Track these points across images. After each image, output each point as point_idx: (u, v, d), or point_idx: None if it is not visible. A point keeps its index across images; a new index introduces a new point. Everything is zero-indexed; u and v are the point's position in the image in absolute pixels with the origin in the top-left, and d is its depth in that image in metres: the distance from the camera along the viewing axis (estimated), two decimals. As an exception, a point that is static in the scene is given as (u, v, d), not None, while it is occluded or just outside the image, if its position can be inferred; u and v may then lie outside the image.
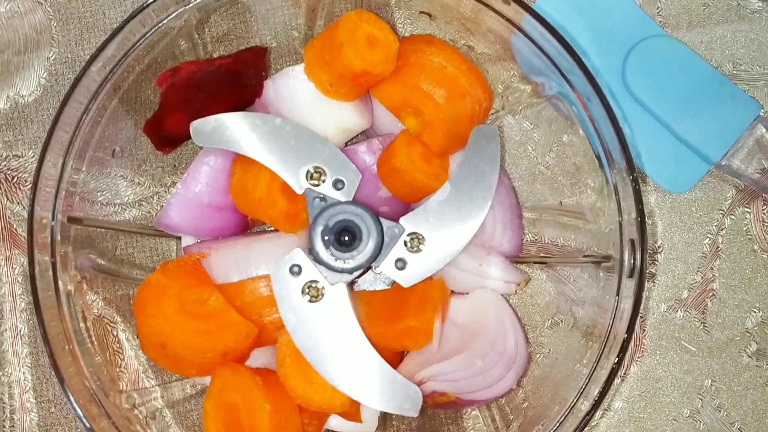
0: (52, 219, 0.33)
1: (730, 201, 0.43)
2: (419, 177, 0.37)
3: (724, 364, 0.42)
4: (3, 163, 0.41)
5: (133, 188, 0.39)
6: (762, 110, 0.43)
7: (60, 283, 0.33)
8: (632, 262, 0.33)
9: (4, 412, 0.41)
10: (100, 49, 0.33)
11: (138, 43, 0.34)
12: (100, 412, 0.33)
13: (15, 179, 0.41)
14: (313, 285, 0.34)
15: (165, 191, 0.40)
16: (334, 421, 0.37)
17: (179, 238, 0.39)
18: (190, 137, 0.35)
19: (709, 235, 0.43)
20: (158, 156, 0.39)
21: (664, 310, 0.43)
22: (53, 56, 0.42)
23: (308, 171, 0.35)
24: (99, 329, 0.38)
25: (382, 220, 0.35)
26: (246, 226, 0.39)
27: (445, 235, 0.35)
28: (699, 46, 0.44)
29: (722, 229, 0.43)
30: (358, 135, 0.40)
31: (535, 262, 0.41)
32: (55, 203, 0.33)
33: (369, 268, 0.35)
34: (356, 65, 0.35)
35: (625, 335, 0.33)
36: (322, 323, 0.34)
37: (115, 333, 0.39)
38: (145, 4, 0.33)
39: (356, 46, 0.35)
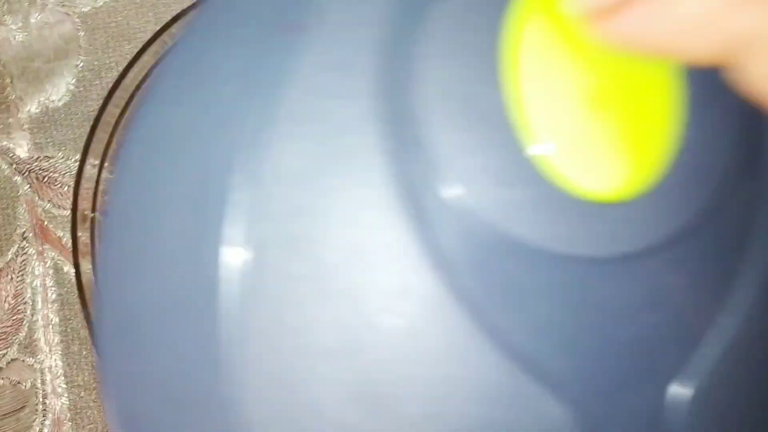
0: (92, 213, 0.36)
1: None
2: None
3: None
4: (35, 164, 0.44)
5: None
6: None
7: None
8: None
9: (37, 397, 0.43)
10: (136, 58, 0.36)
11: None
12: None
13: (46, 179, 0.44)
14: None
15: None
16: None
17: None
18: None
19: None
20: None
21: None
22: (81, 64, 0.44)
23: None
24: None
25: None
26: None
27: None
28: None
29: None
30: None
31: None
32: (95, 200, 0.36)
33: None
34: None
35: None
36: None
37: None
38: (180, 13, 0.36)
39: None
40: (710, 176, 0.19)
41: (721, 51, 0.16)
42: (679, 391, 0.19)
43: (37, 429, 0.43)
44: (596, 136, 0.18)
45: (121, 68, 0.41)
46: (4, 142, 0.43)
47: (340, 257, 0.18)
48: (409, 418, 0.18)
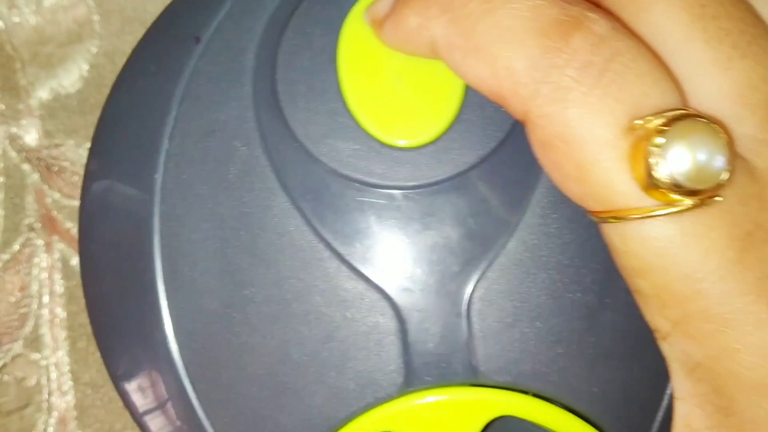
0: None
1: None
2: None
3: None
4: (44, 151, 0.43)
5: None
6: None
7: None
8: None
9: (42, 394, 0.42)
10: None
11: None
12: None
13: (55, 168, 0.43)
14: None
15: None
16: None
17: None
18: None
19: None
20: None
21: None
22: (95, 49, 0.43)
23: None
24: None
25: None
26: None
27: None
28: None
29: None
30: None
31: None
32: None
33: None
34: None
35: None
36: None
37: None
38: None
39: None
40: (491, 125, 0.27)
41: (431, 48, 0.24)
42: (473, 286, 0.27)
43: (42, 428, 0.41)
44: (401, 102, 0.26)
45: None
46: (14, 129, 0.42)
47: (221, 194, 0.28)
48: (273, 312, 0.27)
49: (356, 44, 0.27)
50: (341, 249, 0.27)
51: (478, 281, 0.27)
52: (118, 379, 0.32)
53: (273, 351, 0.27)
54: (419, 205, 0.27)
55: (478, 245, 0.27)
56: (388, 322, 0.27)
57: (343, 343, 0.27)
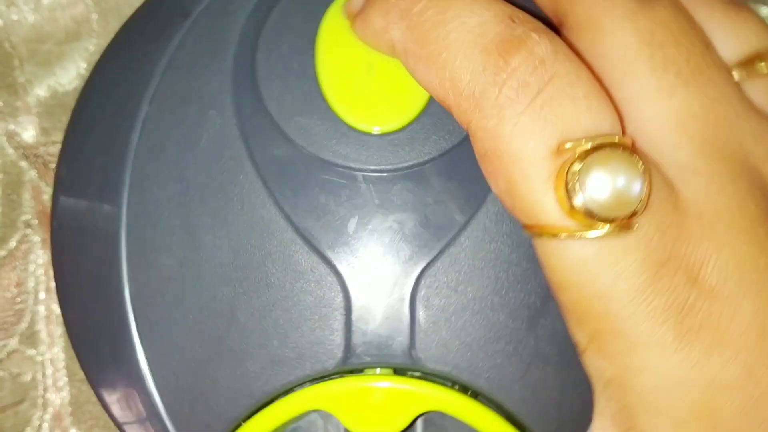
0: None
1: None
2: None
3: None
4: (42, 148, 0.43)
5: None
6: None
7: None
8: None
9: (38, 390, 0.42)
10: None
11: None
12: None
13: (53, 165, 0.43)
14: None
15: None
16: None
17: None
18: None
19: None
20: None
21: None
22: (92, 47, 0.43)
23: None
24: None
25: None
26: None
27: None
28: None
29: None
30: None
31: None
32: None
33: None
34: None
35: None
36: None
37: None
38: None
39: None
40: (455, 121, 0.26)
41: (392, 48, 0.25)
42: (420, 274, 0.28)
43: (37, 423, 0.42)
44: (372, 89, 0.27)
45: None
46: (11, 126, 0.42)
47: (191, 158, 0.29)
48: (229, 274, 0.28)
49: (335, 32, 0.28)
50: (299, 222, 0.28)
51: (425, 269, 0.28)
52: (69, 324, 0.34)
53: (220, 312, 0.28)
54: (378, 188, 0.28)
55: (430, 234, 0.28)
56: (335, 297, 0.28)
57: (289, 312, 0.28)
